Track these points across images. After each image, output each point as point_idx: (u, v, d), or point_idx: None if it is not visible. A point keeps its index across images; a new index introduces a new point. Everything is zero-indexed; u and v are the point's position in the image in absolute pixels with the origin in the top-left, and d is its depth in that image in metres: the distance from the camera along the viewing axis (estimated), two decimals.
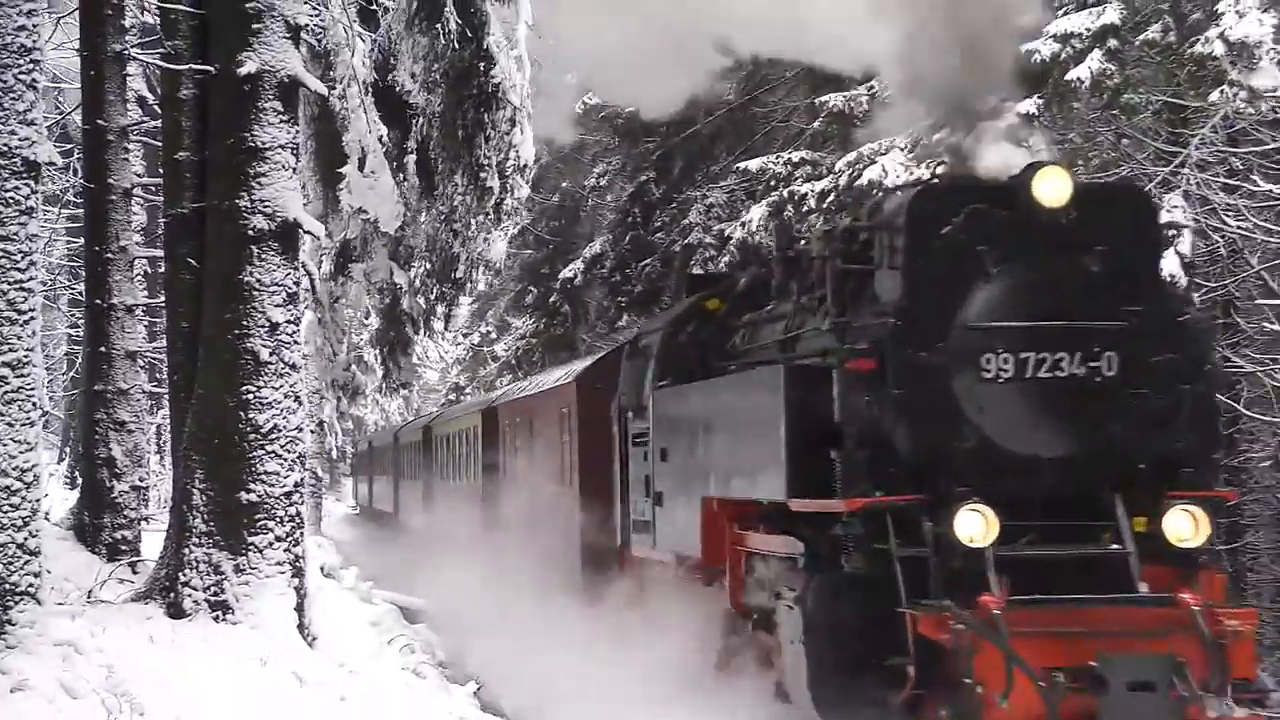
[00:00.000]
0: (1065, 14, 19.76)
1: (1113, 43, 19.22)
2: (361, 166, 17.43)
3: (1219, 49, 17.50)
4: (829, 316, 12.33)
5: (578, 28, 18.37)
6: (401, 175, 18.86)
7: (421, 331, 29.35)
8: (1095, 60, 19.00)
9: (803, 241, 14.58)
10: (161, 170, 16.97)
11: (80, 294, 25.14)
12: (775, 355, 13.54)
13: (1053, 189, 11.44)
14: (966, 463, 11.09)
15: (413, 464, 43.15)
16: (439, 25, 16.97)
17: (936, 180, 12.27)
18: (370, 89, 17.51)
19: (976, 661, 10.20)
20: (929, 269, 11.47)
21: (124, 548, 17.61)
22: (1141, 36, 19.64)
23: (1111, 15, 19.29)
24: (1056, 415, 11.25)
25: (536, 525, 24.17)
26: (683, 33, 17.10)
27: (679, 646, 14.57)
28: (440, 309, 26.75)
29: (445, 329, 38.30)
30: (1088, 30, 19.29)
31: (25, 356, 10.41)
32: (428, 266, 23.10)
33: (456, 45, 17.10)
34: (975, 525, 10.72)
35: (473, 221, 19.17)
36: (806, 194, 25.63)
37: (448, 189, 18.66)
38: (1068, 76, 19.13)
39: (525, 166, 18.64)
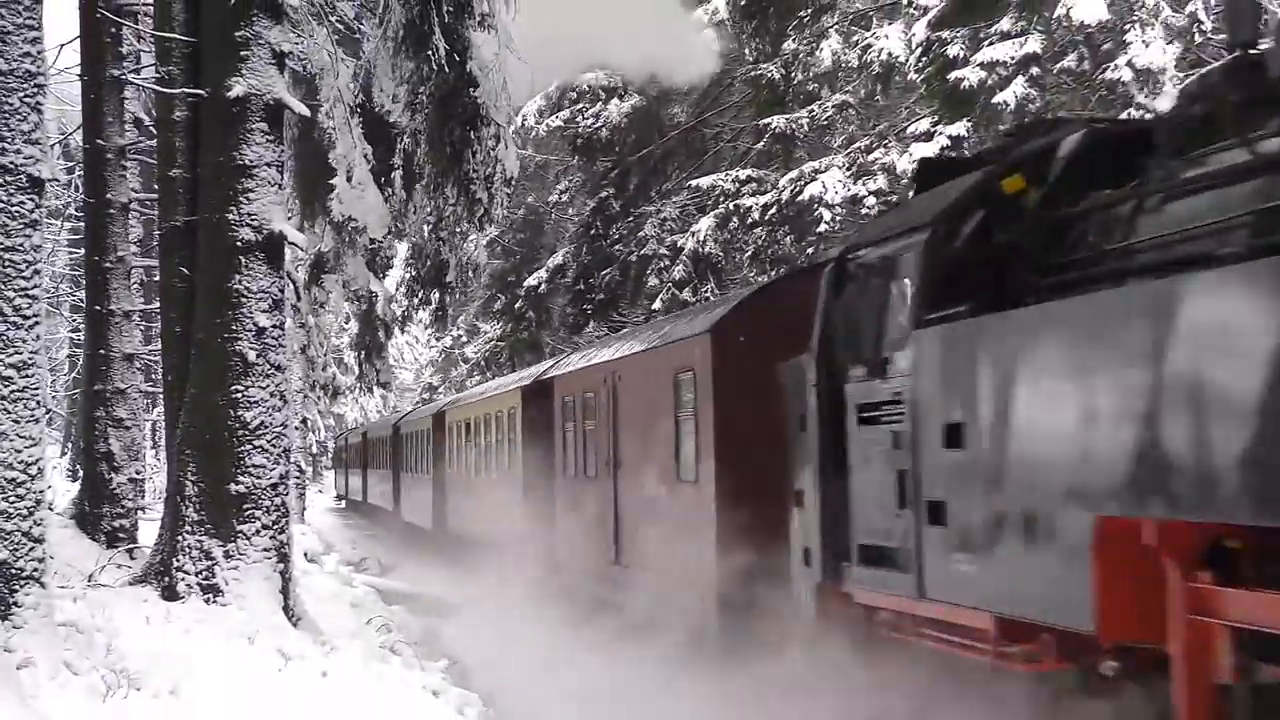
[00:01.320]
0: (991, 44, 19.92)
1: (1034, 70, 19.40)
2: (348, 179, 17.46)
3: (1127, 75, 17.69)
4: None
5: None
6: (389, 190, 18.89)
7: (396, 334, 29.34)
8: (1019, 86, 19.18)
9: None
10: (156, 186, 16.98)
11: (81, 301, 25.09)
12: (1214, 248, 6.80)
13: None
14: None
15: (419, 456, 37.08)
16: (428, 51, 16.94)
17: None
18: (356, 110, 17.54)
19: None
20: None
21: (122, 535, 17.62)
22: (1060, 64, 19.82)
23: (1033, 45, 19.47)
24: None
25: (632, 543, 16.98)
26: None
27: None
28: (423, 313, 26.76)
29: (445, 328, 38.13)
30: (1012, 59, 19.47)
31: (30, 358, 10.36)
32: (413, 273, 23.05)
33: (446, 68, 17.08)
34: None
35: (458, 230, 19.15)
36: (751, 207, 25.75)
37: (438, 200, 18.64)
38: (994, 101, 19.30)
39: (511, 179, 18.65)
